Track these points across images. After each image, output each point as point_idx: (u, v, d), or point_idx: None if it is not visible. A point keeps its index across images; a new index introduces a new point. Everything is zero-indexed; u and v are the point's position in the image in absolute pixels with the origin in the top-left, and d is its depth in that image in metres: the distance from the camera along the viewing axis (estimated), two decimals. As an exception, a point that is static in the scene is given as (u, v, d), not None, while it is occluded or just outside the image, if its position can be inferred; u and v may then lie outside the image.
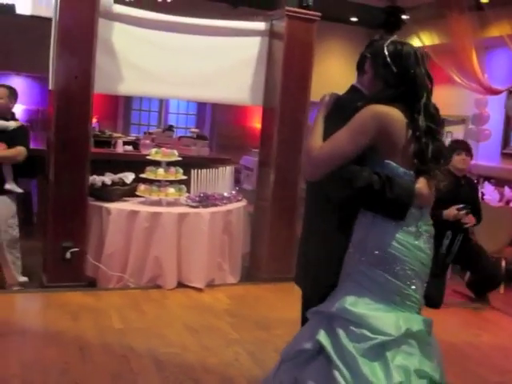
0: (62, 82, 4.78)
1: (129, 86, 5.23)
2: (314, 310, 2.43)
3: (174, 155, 5.42)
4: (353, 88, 2.63)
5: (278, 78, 5.48)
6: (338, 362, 2.17)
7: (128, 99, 12.40)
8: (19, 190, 4.87)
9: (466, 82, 11.43)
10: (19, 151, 4.74)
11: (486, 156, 10.51)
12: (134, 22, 5.16)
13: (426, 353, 2.27)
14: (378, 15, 11.52)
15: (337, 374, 2.16)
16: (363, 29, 12.59)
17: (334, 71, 12.25)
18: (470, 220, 5.21)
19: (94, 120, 10.48)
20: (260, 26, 5.63)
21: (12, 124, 4.80)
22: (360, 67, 2.57)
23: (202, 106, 13.14)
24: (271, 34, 5.60)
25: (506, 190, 7.12)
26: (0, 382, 3.30)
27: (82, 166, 4.93)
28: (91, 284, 5.08)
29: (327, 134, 2.30)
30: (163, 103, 12.87)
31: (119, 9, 5.12)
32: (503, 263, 6.09)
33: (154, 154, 5.43)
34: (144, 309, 4.67)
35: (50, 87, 4.92)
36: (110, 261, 5.03)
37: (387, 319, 2.21)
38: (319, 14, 5.44)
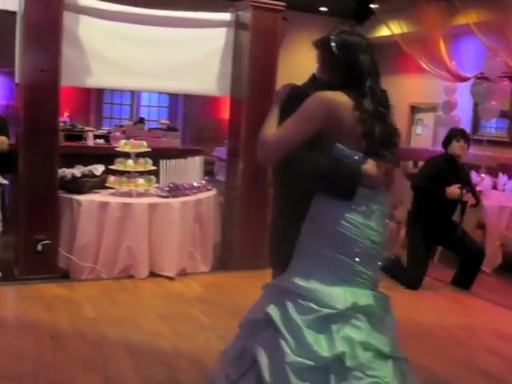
0: (29, 76, 4.81)
1: (96, 78, 5.27)
2: (269, 284, 2.57)
3: (143, 146, 5.47)
4: (313, 77, 2.73)
5: (244, 69, 5.55)
6: (285, 332, 2.29)
7: (99, 93, 12.40)
8: (5, 182, 4.87)
9: (435, 69, 11.61)
10: (2, 140, 4.77)
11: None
12: (100, 14, 5.19)
13: (375, 327, 2.35)
14: (348, 5, 11.65)
15: (283, 342, 2.27)
16: (333, 19, 12.67)
17: (305, 62, 12.28)
18: (470, 199, 5.59)
19: (66, 114, 10.48)
20: (226, 16, 5.70)
21: None
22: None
23: (173, 99, 13.18)
24: (237, 25, 5.66)
25: (475, 174, 7.30)
26: (-26, 371, 3.36)
27: (52, 159, 4.97)
28: (64, 276, 5.11)
29: (282, 122, 2.40)
30: (135, 96, 12.88)
31: (85, 1, 5.15)
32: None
33: (123, 145, 5.47)
34: (116, 298, 4.73)
35: (17, 81, 4.94)
36: (82, 252, 5.08)
37: (334, 293, 2.31)
38: (284, 3, 5.52)
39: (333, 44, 2.40)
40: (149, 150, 5.51)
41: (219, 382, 2.62)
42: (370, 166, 2.33)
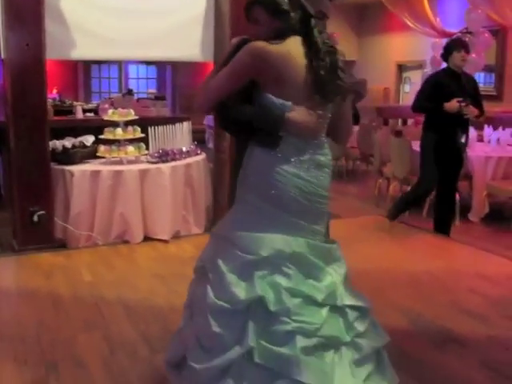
0: (14, 52, 4.89)
1: (81, 50, 5.33)
2: (212, 231, 2.65)
3: (131, 114, 5.57)
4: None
5: (226, 33, 5.61)
6: (211, 277, 2.37)
7: (87, 68, 12.43)
8: None
9: (420, 26, 11.66)
10: None
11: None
12: (80, -14, 5.25)
13: (309, 274, 2.34)
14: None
15: (208, 286, 2.36)
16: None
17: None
18: (471, 111, 5.45)
19: (55, 91, 10.55)
20: (205, -17, 5.75)
21: None
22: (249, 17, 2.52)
23: (161, 70, 13.20)
24: (217, -9, 5.72)
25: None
26: (-20, 337, 3.51)
27: (42, 131, 5.07)
28: (61, 245, 5.25)
29: None
30: (122, 69, 12.90)
31: (65, -25, 5.20)
32: (457, 197, 6.41)
33: (111, 114, 5.57)
34: (113, 263, 4.89)
35: (2, 56, 5.01)
36: (78, 221, 5.22)
37: (259, 240, 2.32)
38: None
39: None
40: (136, 117, 5.61)
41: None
42: (294, 113, 2.31)
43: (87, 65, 12.19)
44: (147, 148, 5.66)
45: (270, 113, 2.29)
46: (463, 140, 5.61)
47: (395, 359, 2.62)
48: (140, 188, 5.33)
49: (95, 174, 5.24)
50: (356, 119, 2.95)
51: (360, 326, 2.40)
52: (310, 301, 2.28)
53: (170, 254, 5.14)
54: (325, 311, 2.30)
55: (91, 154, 5.55)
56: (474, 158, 6.67)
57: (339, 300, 2.35)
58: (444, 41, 11.01)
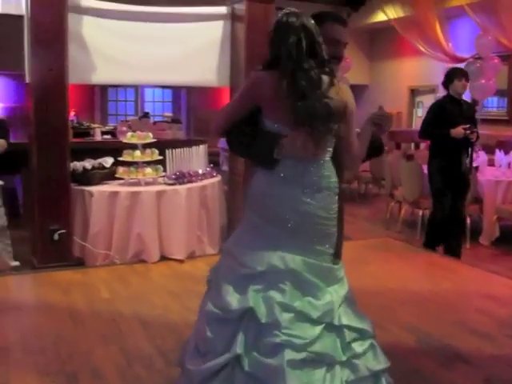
0: (38, 75, 5.10)
1: (101, 75, 5.57)
2: (221, 246, 2.85)
3: (149, 137, 5.76)
4: None
5: (241, 59, 5.82)
6: (212, 287, 2.57)
7: (104, 91, 12.70)
8: (0, 182, 5.15)
9: (432, 51, 11.81)
10: (0, 144, 5.04)
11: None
12: (101, 14, 5.48)
13: (304, 291, 2.41)
14: (342, -8, 11.87)
15: (208, 296, 2.56)
16: (329, 6, 12.89)
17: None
18: (474, 136, 5.80)
19: (72, 113, 10.79)
20: (222, 10, 5.99)
21: None
22: None
23: (177, 93, 13.46)
24: (233, 17, 5.95)
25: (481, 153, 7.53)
26: (2, 349, 3.65)
27: (63, 153, 5.27)
28: (79, 263, 5.42)
29: None
30: (138, 92, 13.17)
31: (87, 2, 5.44)
32: (468, 220, 6.52)
33: (129, 137, 5.76)
34: (130, 280, 5.04)
35: (27, 80, 5.22)
36: (96, 240, 5.39)
37: (256, 256, 2.43)
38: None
39: (272, 26, 2.50)
40: (154, 140, 5.79)
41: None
42: (288, 138, 2.42)
43: (104, 88, 12.47)
44: (164, 170, 5.83)
45: (266, 137, 2.44)
46: (468, 164, 5.88)
47: (402, 376, 2.71)
48: (157, 208, 5.49)
49: (113, 195, 5.41)
50: (379, 150, 3.02)
51: (358, 348, 2.44)
52: (304, 317, 2.35)
53: (185, 272, 5.29)
54: (319, 328, 2.35)
55: (110, 175, 5.73)
56: (485, 182, 6.79)
57: (336, 319, 2.40)
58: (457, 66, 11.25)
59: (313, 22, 2.48)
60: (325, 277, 2.46)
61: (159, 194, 5.52)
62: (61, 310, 4.32)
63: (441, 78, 11.37)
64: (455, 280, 5.29)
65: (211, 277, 2.66)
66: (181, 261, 5.52)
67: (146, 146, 5.78)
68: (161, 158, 5.78)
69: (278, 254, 2.42)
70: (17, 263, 5.35)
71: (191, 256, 5.67)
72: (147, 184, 5.68)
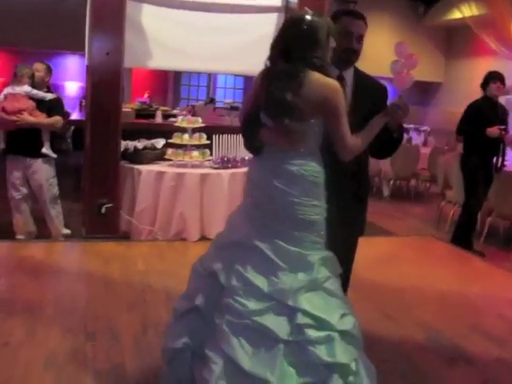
0: (96, 59, 5.44)
1: (156, 61, 5.89)
2: None
3: (198, 122, 6.01)
4: None
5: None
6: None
7: (177, 75, 13.09)
8: (54, 155, 5.50)
9: (506, 51, 11.52)
10: (57, 120, 5.41)
11: None
12: (160, 2, 5.77)
13: (265, 267, 2.55)
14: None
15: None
16: (405, 1, 12.81)
17: (379, 45, 12.52)
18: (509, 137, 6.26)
19: (146, 95, 11.25)
20: (277, 2, 6.15)
21: (49, 95, 5.46)
22: None
23: (248, 81, 13.67)
24: (287, 10, 6.10)
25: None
26: (35, 306, 4.01)
27: (115, 133, 5.60)
28: (124, 237, 5.76)
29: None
30: (211, 78, 13.48)
31: (146, -10, 5.74)
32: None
33: (180, 121, 6.05)
34: (167, 256, 5.33)
35: (86, 63, 5.58)
36: (141, 216, 5.71)
37: (233, 229, 2.72)
38: (330, -11, 5.89)
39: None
40: (202, 125, 6.04)
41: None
42: (266, 128, 2.61)
43: (178, 73, 12.85)
44: (211, 154, 6.08)
45: (253, 127, 2.68)
46: (500, 163, 6.26)
47: (402, 367, 2.80)
48: (200, 190, 5.75)
49: (160, 175, 5.71)
50: (395, 143, 2.99)
51: (312, 333, 2.42)
52: (256, 289, 2.47)
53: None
54: (267, 303, 2.45)
55: (160, 156, 6.03)
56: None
57: (291, 301, 2.44)
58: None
59: (319, 20, 2.56)
60: (289, 261, 2.53)
61: (203, 176, 5.77)
62: (97, 278, 4.66)
63: (515, 79, 11.25)
64: (486, 284, 5.27)
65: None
66: (220, 242, 5.75)
67: (196, 131, 6.04)
68: (208, 142, 6.02)
69: (250, 231, 2.59)
70: (68, 231, 5.75)
71: (230, 238, 5.89)
72: (193, 166, 5.95)
